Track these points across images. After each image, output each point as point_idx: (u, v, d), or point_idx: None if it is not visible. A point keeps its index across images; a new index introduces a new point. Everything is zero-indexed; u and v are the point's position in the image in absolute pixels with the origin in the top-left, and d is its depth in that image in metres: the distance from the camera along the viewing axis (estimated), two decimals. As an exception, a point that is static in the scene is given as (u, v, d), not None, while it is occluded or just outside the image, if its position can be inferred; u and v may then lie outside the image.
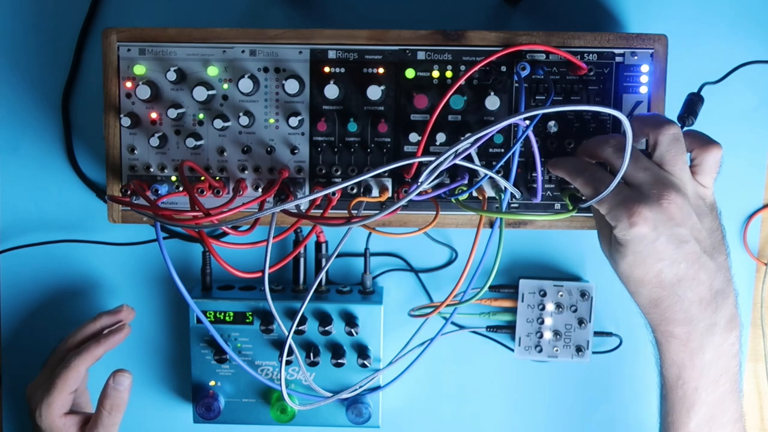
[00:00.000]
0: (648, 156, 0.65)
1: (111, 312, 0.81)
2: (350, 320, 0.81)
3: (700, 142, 0.65)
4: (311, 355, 0.82)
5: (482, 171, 0.66)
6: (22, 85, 0.83)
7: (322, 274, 0.81)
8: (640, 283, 0.64)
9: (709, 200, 0.65)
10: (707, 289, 0.64)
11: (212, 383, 0.84)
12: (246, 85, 0.71)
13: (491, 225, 0.73)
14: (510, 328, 0.85)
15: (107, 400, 0.76)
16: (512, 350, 0.85)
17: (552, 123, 0.73)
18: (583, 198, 0.67)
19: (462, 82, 0.71)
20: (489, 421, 0.89)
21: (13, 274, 0.86)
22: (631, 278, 0.65)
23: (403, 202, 0.63)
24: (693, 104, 0.73)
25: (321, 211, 0.73)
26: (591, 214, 0.74)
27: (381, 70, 0.73)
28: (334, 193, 0.73)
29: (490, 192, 0.74)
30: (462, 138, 0.63)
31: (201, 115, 0.74)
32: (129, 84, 0.74)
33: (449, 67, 0.73)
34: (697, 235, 0.63)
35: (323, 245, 0.82)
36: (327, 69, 0.73)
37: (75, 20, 0.82)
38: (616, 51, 0.72)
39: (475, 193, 0.73)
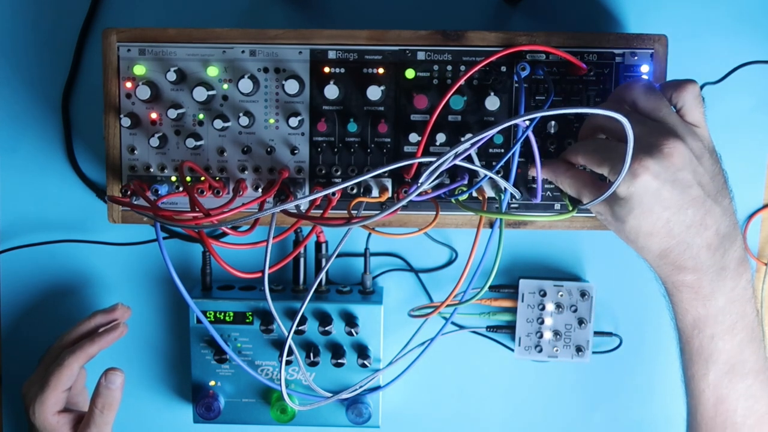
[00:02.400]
0: None
1: (106, 310, 0.81)
2: (350, 320, 0.82)
3: (673, 85, 0.65)
4: (311, 355, 0.82)
5: (482, 171, 0.66)
6: (22, 85, 0.83)
7: (322, 274, 0.81)
8: (648, 235, 0.63)
9: (707, 142, 0.65)
10: (714, 234, 0.63)
11: (212, 383, 0.84)
12: (246, 85, 0.71)
13: (491, 225, 0.73)
14: (510, 328, 0.85)
15: (99, 398, 0.76)
16: (512, 350, 0.85)
17: (552, 123, 0.73)
18: (579, 202, 0.67)
19: (462, 82, 0.71)
20: (489, 421, 0.89)
21: (13, 274, 0.87)
22: (640, 233, 0.63)
23: (403, 203, 0.63)
24: (693, 104, 0.73)
25: (321, 211, 0.73)
26: (591, 215, 0.74)
27: (381, 71, 0.73)
28: (334, 194, 0.73)
29: (490, 192, 0.74)
30: (462, 139, 0.63)
31: (201, 116, 0.74)
32: (129, 84, 0.74)
33: (449, 67, 0.73)
34: (700, 179, 0.62)
35: (323, 245, 0.82)
36: (327, 69, 0.73)
37: (75, 20, 0.82)
38: (616, 51, 0.72)
39: (475, 194, 0.73)
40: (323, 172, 0.75)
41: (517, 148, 0.69)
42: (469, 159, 0.68)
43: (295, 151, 0.74)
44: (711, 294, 0.64)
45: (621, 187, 0.61)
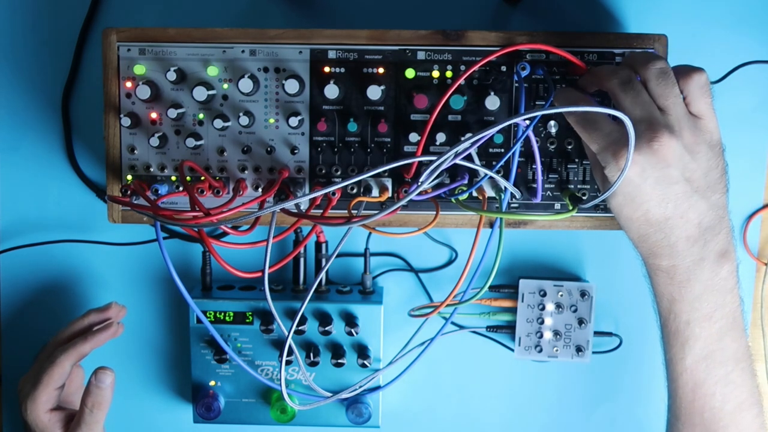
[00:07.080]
0: None
1: (100, 309, 0.81)
2: (350, 320, 0.81)
3: (682, 71, 0.64)
4: (311, 355, 0.82)
5: (482, 171, 0.66)
6: (22, 85, 0.83)
7: (322, 274, 0.81)
8: (628, 219, 0.65)
9: (709, 135, 0.64)
10: (695, 227, 0.63)
11: (212, 383, 0.84)
12: (246, 85, 0.71)
13: (491, 225, 0.73)
14: (510, 328, 0.85)
15: (89, 397, 0.76)
16: (512, 350, 0.85)
17: (552, 123, 0.73)
18: (579, 201, 0.67)
19: (462, 81, 0.71)
20: (489, 421, 0.89)
21: (13, 274, 0.86)
22: (620, 215, 0.65)
23: (403, 202, 0.63)
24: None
25: (321, 210, 0.73)
26: (591, 214, 0.75)
27: (381, 70, 0.73)
28: (333, 193, 0.73)
29: (490, 192, 0.74)
30: (462, 138, 0.63)
31: (201, 115, 0.74)
32: (129, 84, 0.74)
33: (449, 67, 0.73)
34: (689, 175, 0.62)
35: (323, 245, 0.82)
36: (327, 69, 0.73)
37: (75, 20, 0.82)
38: (616, 51, 0.72)
39: (475, 193, 0.73)
40: (323, 171, 0.75)
41: (517, 147, 0.69)
42: (469, 158, 0.68)
43: (295, 151, 0.74)
44: (686, 281, 0.65)
45: (608, 172, 0.63)
